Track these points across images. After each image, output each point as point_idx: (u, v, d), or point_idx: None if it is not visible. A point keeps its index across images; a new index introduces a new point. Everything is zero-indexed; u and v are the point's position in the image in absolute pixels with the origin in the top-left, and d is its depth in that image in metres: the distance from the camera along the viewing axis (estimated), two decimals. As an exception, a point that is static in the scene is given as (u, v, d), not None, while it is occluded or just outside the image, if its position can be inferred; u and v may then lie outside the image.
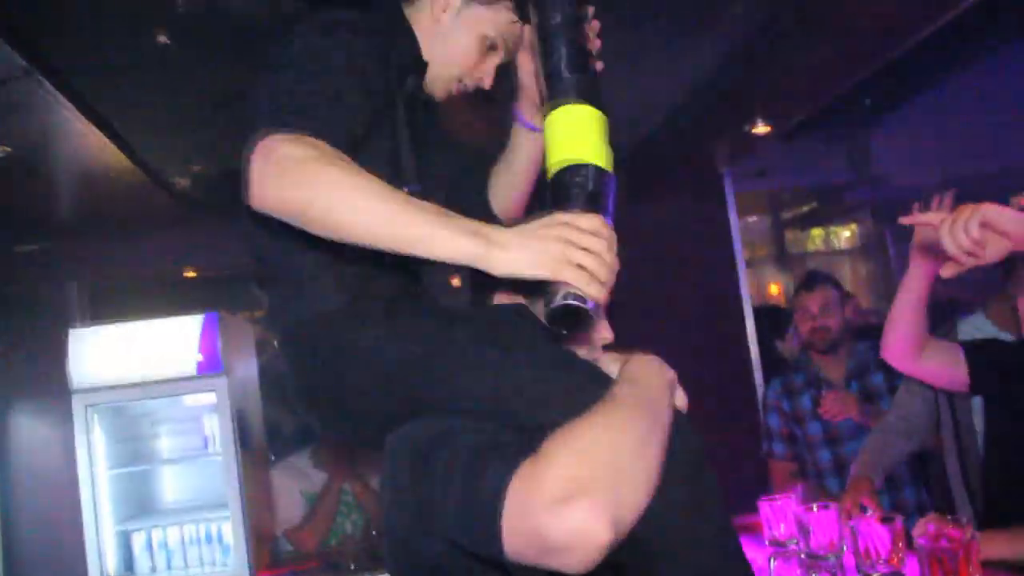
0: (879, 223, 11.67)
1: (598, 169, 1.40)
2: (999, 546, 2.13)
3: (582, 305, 1.29)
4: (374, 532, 4.20)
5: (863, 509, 2.67)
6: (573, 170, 1.40)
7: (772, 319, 5.26)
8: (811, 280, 3.97)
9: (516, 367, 1.38)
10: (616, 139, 1.47)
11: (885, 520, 2.01)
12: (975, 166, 10.31)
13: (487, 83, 1.72)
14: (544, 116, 1.49)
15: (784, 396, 3.90)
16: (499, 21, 1.68)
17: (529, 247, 1.26)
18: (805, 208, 12.23)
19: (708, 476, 1.39)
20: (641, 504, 1.18)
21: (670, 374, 1.44)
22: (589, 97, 1.44)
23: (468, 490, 1.20)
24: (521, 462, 1.16)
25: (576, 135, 1.42)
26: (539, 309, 1.45)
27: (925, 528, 1.91)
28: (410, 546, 1.35)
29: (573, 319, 1.32)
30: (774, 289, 12.17)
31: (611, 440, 1.19)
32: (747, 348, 4.22)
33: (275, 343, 1.66)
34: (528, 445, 1.20)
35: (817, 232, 13.14)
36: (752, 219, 11.10)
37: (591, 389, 1.32)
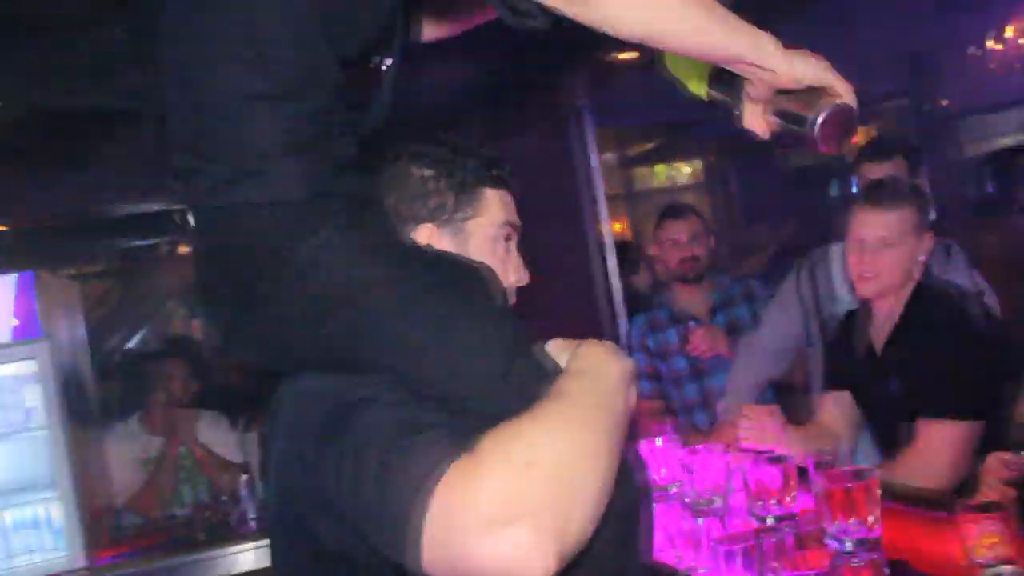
0: (722, 159, 11.99)
1: None
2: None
3: (854, 105, 1.27)
4: (224, 499, 4.03)
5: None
6: None
7: (622, 254, 5.27)
8: (677, 210, 3.90)
9: (469, 336, 1.19)
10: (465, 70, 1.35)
11: (774, 460, 1.93)
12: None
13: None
14: None
15: (649, 332, 3.84)
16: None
17: (806, 59, 1.24)
18: (649, 145, 12.43)
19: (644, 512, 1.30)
20: (590, 526, 1.02)
21: (626, 364, 1.27)
22: None
23: (384, 488, 1.04)
24: (452, 460, 1.00)
25: None
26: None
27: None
28: (306, 523, 1.19)
29: (841, 126, 1.27)
30: (617, 227, 12.37)
31: (560, 448, 1.03)
32: (607, 287, 4.17)
33: (192, 223, 1.32)
34: (460, 433, 1.04)
35: (660, 168, 13.40)
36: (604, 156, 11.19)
37: (543, 377, 1.19)
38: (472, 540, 0.95)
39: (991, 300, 3.02)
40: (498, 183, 1.44)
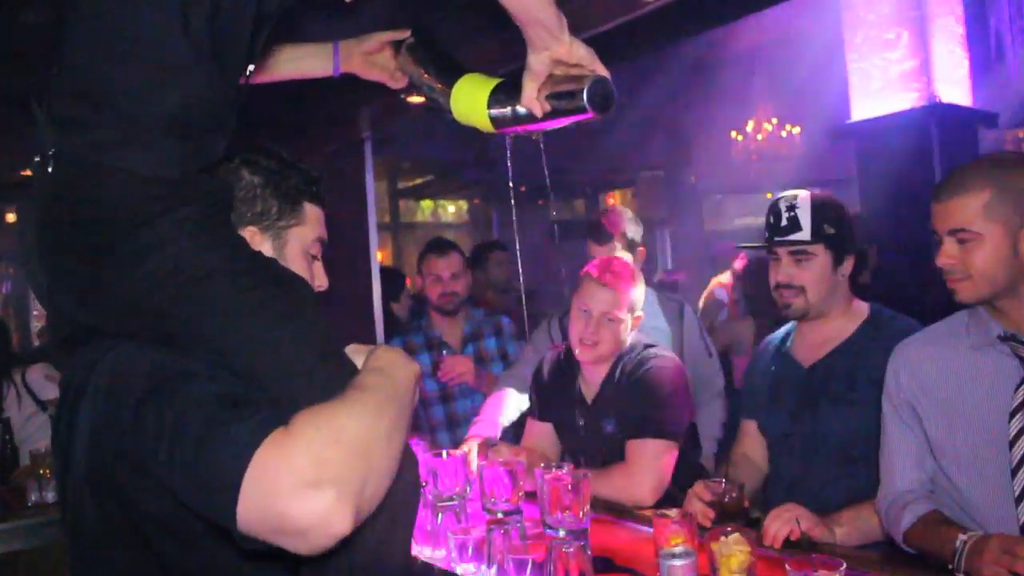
0: (487, 203, 12.42)
1: None
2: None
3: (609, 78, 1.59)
4: None
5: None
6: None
7: (386, 281, 5.44)
8: (441, 246, 4.11)
9: (290, 332, 1.32)
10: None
11: (506, 464, 2.23)
12: (576, 162, 11.39)
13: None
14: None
15: (424, 350, 4.03)
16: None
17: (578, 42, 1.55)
18: (420, 180, 12.72)
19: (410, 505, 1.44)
20: (381, 495, 1.18)
21: (415, 367, 1.44)
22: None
23: (204, 451, 1.13)
24: (268, 431, 1.12)
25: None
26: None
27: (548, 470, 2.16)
28: (117, 484, 1.26)
29: (605, 95, 1.57)
30: (379, 255, 12.61)
31: (363, 427, 1.18)
32: (372, 309, 4.36)
33: (50, 160, 1.30)
34: (272, 411, 1.17)
35: (427, 204, 13.73)
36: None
37: (344, 375, 1.32)
38: (284, 500, 1.07)
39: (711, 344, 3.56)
40: (315, 199, 1.60)
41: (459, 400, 3.97)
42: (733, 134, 10.45)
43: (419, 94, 1.90)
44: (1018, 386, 1.92)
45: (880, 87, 6.66)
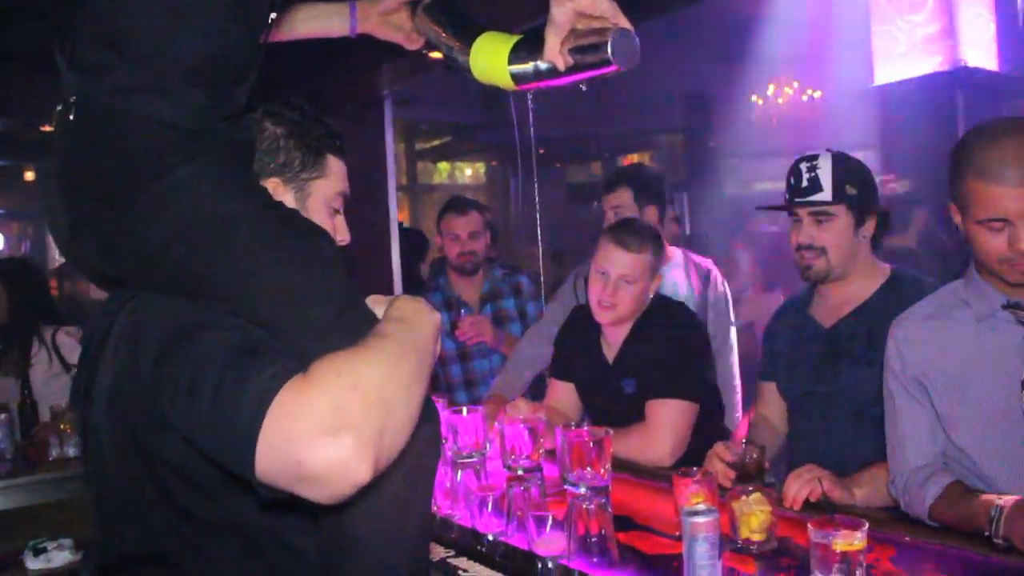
0: (504, 165, 12.39)
1: None
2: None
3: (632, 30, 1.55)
4: None
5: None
6: None
7: (413, 242, 5.44)
8: (460, 205, 4.08)
9: (311, 282, 1.30)
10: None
11: (526, 421, 2.23)
12: (594, 125, 11.36)
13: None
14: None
15: (442, 309, 4.00)
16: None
17: None
18: (437, 142, 12.71)
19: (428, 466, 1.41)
20: (401, 445, 1.17)
21: (436, 316, 1.42)
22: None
23: (223, 399, 1.12)
24: (286, 379, 1.11)
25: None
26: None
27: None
28: (138, 435, 1.26)
29: (629, 46, 1.53)
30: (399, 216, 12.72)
31: (382, 376, 1.16)
32: (391, 268, 4.36)
33: (72, 107, 1.32)
34: (291, 359, 1.16)
35: (444, 166, 13.73)
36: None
37: (365, 325, 1.30)
38: (303, 447, 1.05)
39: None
40: (338, 152, 1.58)
41: (477, 359, 3.98)
42: (754, 98, 10.36)
43: (438, 51, 1.88)
44: None
45: (904, 51, 6.59)
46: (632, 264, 2.79)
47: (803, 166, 2.49)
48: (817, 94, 9.83)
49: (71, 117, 1.30)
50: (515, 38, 1.66)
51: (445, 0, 1.87)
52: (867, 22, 6.92)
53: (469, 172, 13.81)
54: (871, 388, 2.33)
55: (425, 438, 1.31)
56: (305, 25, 1.98)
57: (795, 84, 9.97)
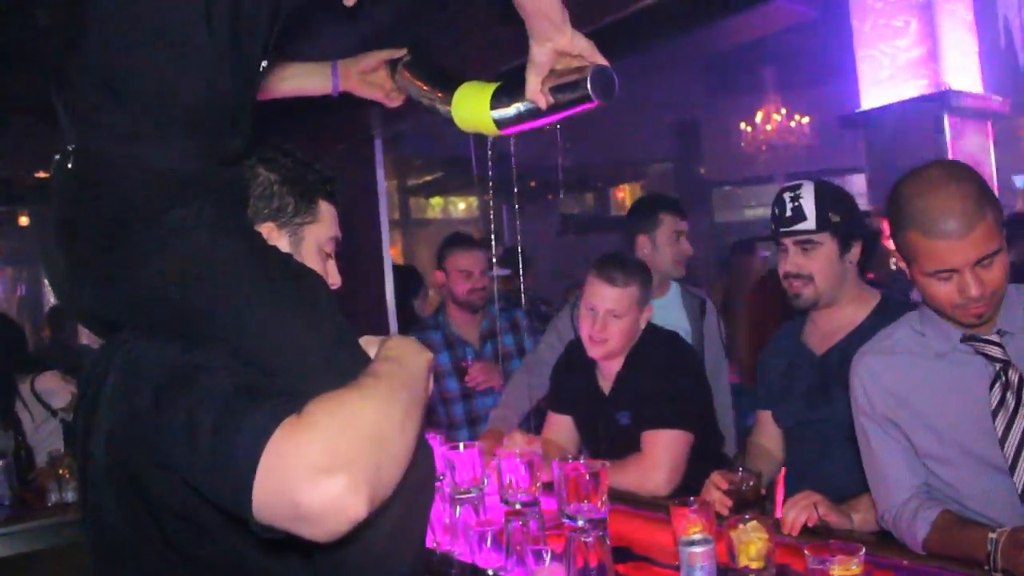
0: (497, 197, 12.44)
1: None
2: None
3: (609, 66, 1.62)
4: None
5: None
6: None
7: (405, 279, 5.44)
8: (466, 240, 4.08)
9: (305, 323, 1.34)
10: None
11: (522, 455, 2.24)
12: (585, 156, 11.42)
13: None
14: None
15: (444, 348, 3.99)
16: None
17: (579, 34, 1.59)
18: (429, 177, 12.77)
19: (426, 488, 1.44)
20: (396, 481, 1.18)
21: (428, 355, 1.46)
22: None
23: (219, 441, 1.14)
24: (281, 419, 1.12)
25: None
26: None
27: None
28: (138, 479, 1.28)
29: (606, 82, 1.59)
30: (392, 252, 12.72)
31: (375, 414, 1.18)
32: (385, 305, 4.38)
33: (71, 155, 1.33)
34: (286, 400, 1.17)
35: (437, 201, 13.77)
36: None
37: (358, 365, 1.33)
38: (299, 486, 1.06)
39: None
40: (330, 197, 1.62)
41: (479, 398, 3.96)
42: (742, 125, 10.45)
43: (419, 108, 1.93)
44: (992, 383, 1.92)
45: (889, 75, 6.66)
46: (619, 298, 2.82)
47: (786, 196, 2.53)
48: (805, 120, 9.91)
49: (69, 165, 1.33)
50: (494, 85, 1.71)
51: (423, 56, 1.92)
52: (852, 48, 6.99)
53: (462, 206, 13.85)
54: None
55: (419, 472, 1.32)
56: (289, 83, 2.06)
57: (783, 111, 10.06)
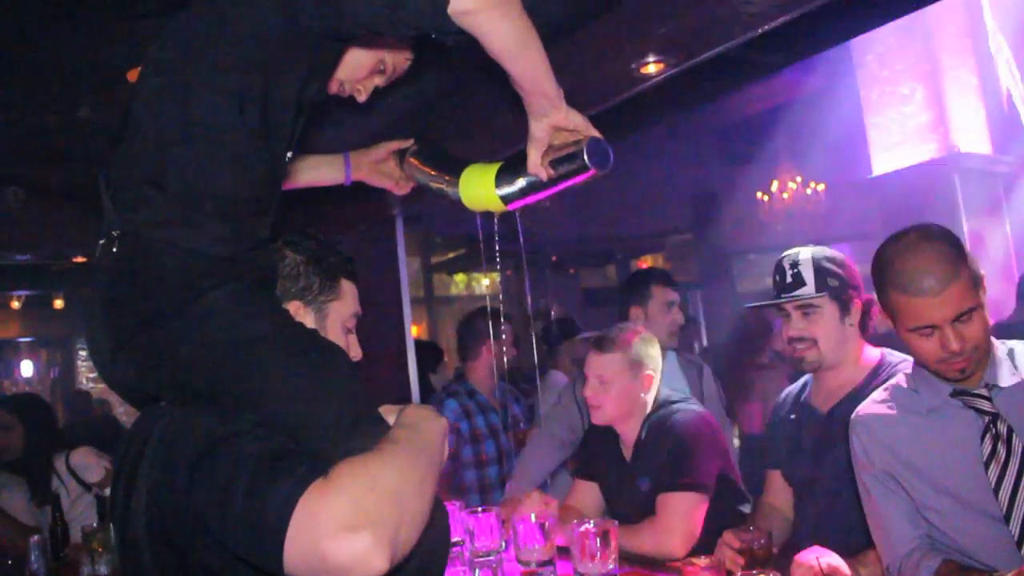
0: (519, 272, 12.58)
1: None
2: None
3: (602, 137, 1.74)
4: (9, 562, 3.95)
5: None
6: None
7: (424, 353, 5.58)
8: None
9: (329, 394, 1.44)
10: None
11: (538, 517, 2.32)
12: (606, 228, 11.57)
13: (362, 98, 1.83)
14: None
15: (463, 417, 4.17)
16: (398, 55, 1.82)
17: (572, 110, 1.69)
18: (452, 254, 12.94)
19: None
20: (415, 538, 1.28)
21: (444, 422, 1.55)
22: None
23: (253, 502, 1.23)
24: (310, 481, 1.22)
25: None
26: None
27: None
28: (177, 544, 1.37)
29: (602, 152, 1.72)
30: (414, 330, 12.86)
31: (396, 477, 1.28)
32: (408, 380, 4.47)
33: (115, 240, 1.47)
34: (313, 463, 1.27)
35: (461, 278, 13.93)
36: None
37: (378, 431, 1.43)
38: (326, 543, 1.17)
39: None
40: (351, 276, 1.75)
41: (492, 466, 4.10)
42: (759, 194, 10.56)
43: (428, 193, 2.06)
44: (983, 435, 1.99)
45: (899, 141, 6.76)
46: (604, 364, 2.94)
47: (786, 263, 2.65)
48: (820, 187, 10.01)
49: (114, 249, 1.46)
50: (497, 165, 1.83)
51: (429, 144, 2.06)
52: (861, 116, 7.11)
53: (487, 283, 13.99)
54: None
55: (435, 530, 1.41)
56: (305, 175, 2.20)
57: (798, 179, 10.16)
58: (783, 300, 2.64)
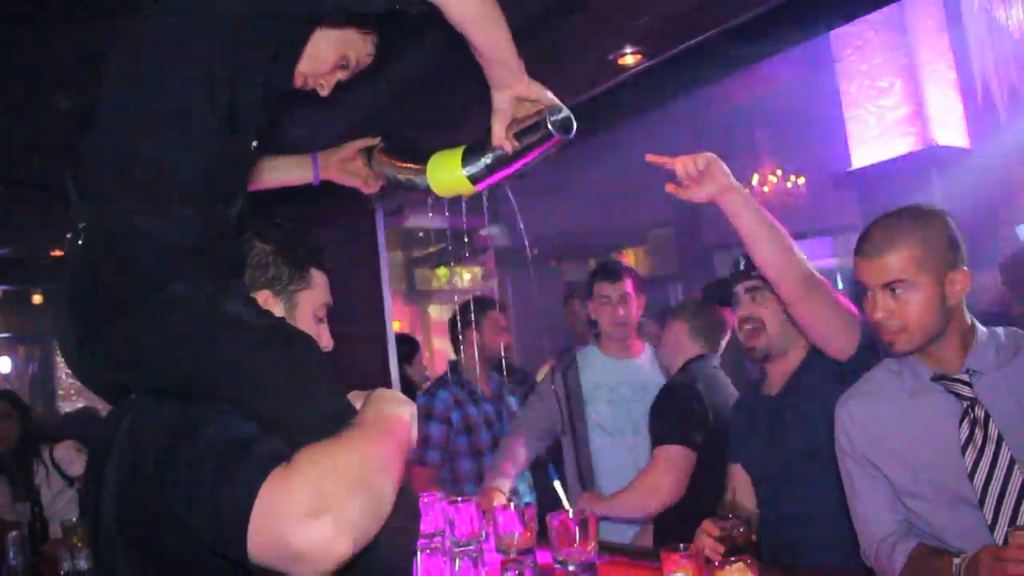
0: (502, 268, 12.60)
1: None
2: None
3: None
4: None
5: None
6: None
7: (402, 347, 5.61)
8: (494, 304, 4.42)
9: (299, 381, 1.45)
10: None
11: (518, 508, 2.32)
12: (587, 223, 11.59)
13: (324, 92, 1.82)
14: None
15: (455, 407, 4.18)
16: (360, 49, 1.82)
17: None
18: (433, 248, 12.92)
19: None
20: (380, 522, 1.28)
21: (410, 406, 1.54)
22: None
23: (217, 490, 1.23)
24: (272, 468, 1.23)
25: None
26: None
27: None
28: (148, 535, 1.37)
29: (565, 122, 1.74)
30: (396, 324, 12.82)
31: (357, 462, 1.28)
32: (389, 374, 4.47)
33: (81, 232, 1.45)
34: (276, 450, 1.27)
35: (443, 271, 13.90)
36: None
37: (346, 417, 1.43)
38: (289, 528, 1.17)
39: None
40: (321, 266, 1.75)
41: (488, 455, 4.10)
42: (740, 187, 10.56)
43: (397, 188, 2.06)
44: (961, 420, 2.02)
45: (877, 134, 6.81)
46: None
47: (740, 253, 2.73)
48: (800, 180, 10.05)
49: (80, 242, 1.45)
50: (462, 147, 1.84)
51: (395, 139, 2.07)
52: (840, 109, 7.14)
53: (468, 276, 13.97)
54: (818, 428, 2.45)
55: (401, 517, 1.41)
56: (273, 175, 2.19)
57: (778, 172, 10.20)
58: (735, 283, 2.81)
